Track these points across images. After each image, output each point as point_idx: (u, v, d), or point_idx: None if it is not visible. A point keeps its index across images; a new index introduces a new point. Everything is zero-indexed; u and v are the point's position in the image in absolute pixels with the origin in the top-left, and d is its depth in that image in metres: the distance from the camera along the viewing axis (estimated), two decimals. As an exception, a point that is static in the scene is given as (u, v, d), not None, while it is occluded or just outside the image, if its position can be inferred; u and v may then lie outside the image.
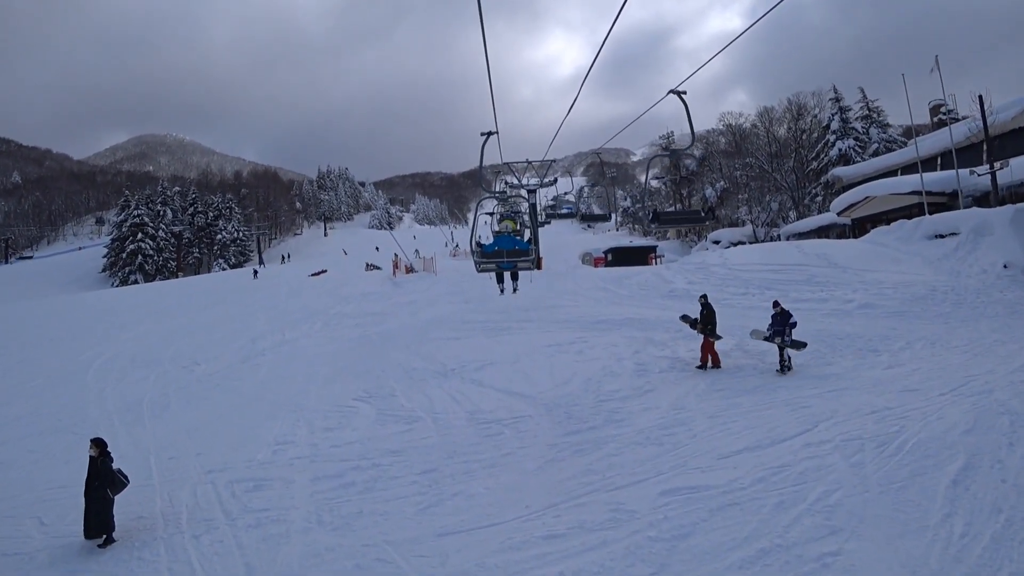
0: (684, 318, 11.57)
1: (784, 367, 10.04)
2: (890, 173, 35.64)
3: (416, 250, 30.18)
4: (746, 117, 68.90)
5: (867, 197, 28.46)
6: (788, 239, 37.95)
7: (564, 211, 32.41)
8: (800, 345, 10.14)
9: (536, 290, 19.66)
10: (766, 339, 10.43)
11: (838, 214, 30.91)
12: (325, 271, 38.26)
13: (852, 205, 29.43)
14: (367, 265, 38.25)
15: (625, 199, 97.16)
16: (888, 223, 28.91)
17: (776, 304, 10.74)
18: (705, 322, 10.96)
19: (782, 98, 71.93)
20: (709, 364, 10.64)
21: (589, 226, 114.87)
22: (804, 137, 58.92)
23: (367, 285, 25.46)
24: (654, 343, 11.73)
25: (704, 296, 11.45)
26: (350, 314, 18.52)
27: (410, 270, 27.99)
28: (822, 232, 35.05)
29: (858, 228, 31.76)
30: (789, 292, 17.17)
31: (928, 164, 32.90)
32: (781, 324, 10.30)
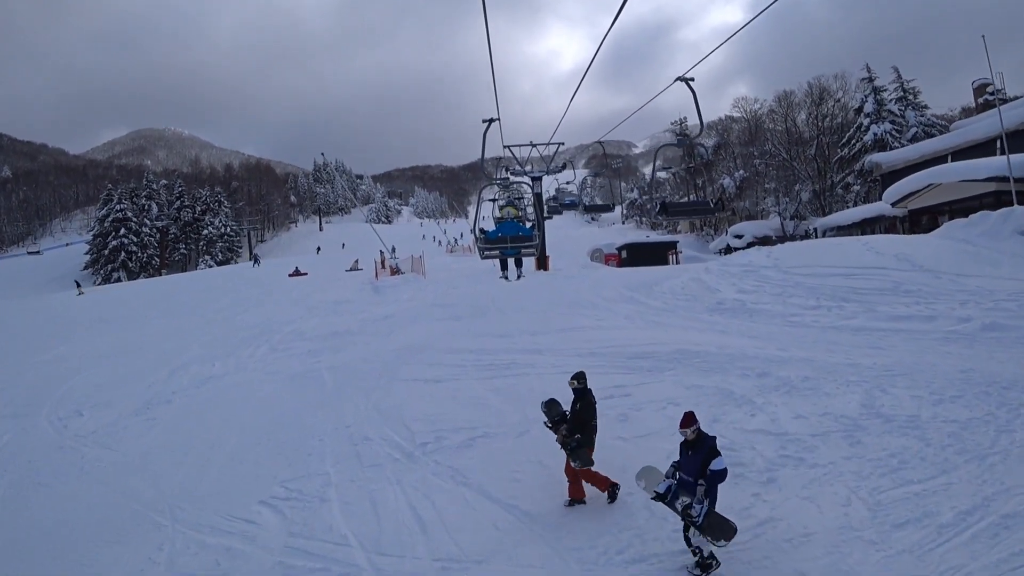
0: (550, 410, 6.01)
1: (699, 561, 4.58)
2: (938, 159, 31.53)
3: (393, 247, 26.25)
4: (761, 103, 64.82)
5: (930, 185, 24.32)
6: (825, 233, 33.86)
7: (568, 202, 28.36)
8: (719, 532, 4.47)
9: (544, 299, 15.60)
10: (657, 497, 4.87)
11: (892, 204, 26.78)
12: (305, 273, 34.27)
13: (911, 194, 25.29)
14: (353, 263, 34.36)
15: (631, 191, 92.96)
16: (951, 215, 24.84)
17: (688, 421, 4.76)
18: (572, 426, 5.77)
19: (801, 82, 67.82)
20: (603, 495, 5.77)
21: (593, 219, 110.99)
22: (826, 123, 54.94)
23: (343, 291, 21.43)
24: (734, 400, 7.64)
25: (578, 377, 5.96)
26: (308, 333, 14.47)
27: (395, 271, 23.95)
28: (867, 225, 30.98)
29: (912, 221, 27.63)
30: (877, 306, 13.08)
31: (985, 148, 28.85)
32: (691, 470, 4.68)
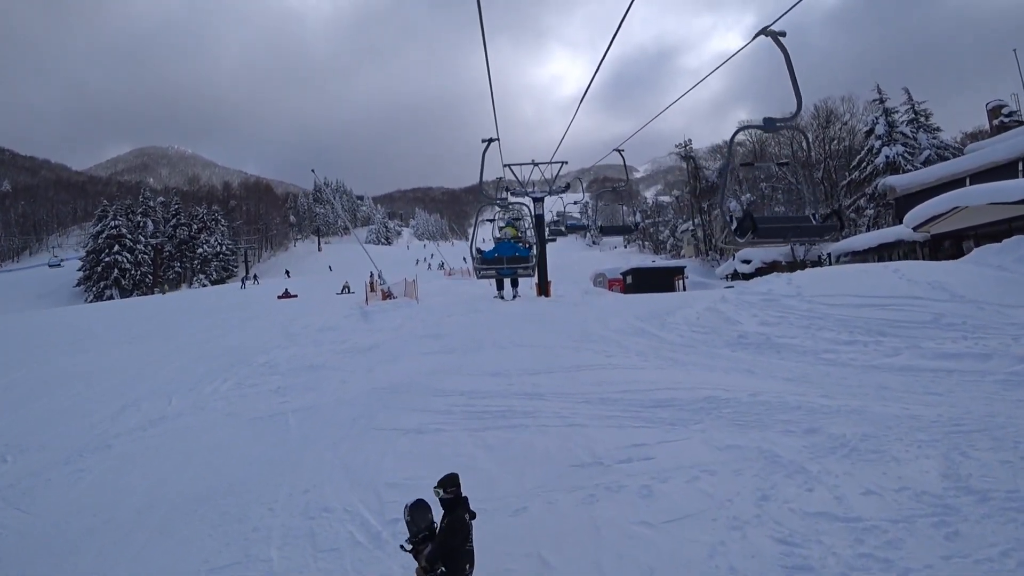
0: (415, 519, 4.28)
1: None
2: (956, 181, 30.36)
3: (379, 272, 24.90)
4: (767, 126, 63.70)
5: (955, 208, 23.02)
6: (839, 259, 32.53)
7: (570, 224, 27.08)
8: None
9: (547, 331, 14.14)
10: None
11: (915, 228, 25.45)
12: (295, 295, 32.90)
13: (934, 218, 23.97)
14: (343, 286, 32.94)
15: (633, 214, 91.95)
16: (978, 240, 23.52)
17: None
18: (436, 551, 4.09)
19: (808, 105, 67.18)
20: None
21: (595, 242, 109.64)
22: (833, 146, 54.01)
23: (329, 316, 19.98)
24: (782, 467, 6.15)
25: (447, 483, 4.29)
26: (282, 366, 12.99)
27: (387, 296, 22.52)
28: (884, 250, 29.60)
29: (934, 246, 26.29)
30: (920, 341, 11.59)
31: (1007, 170, 27.65)
32: None
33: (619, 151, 18.83)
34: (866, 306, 13.99)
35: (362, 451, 7.51)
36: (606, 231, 24.68)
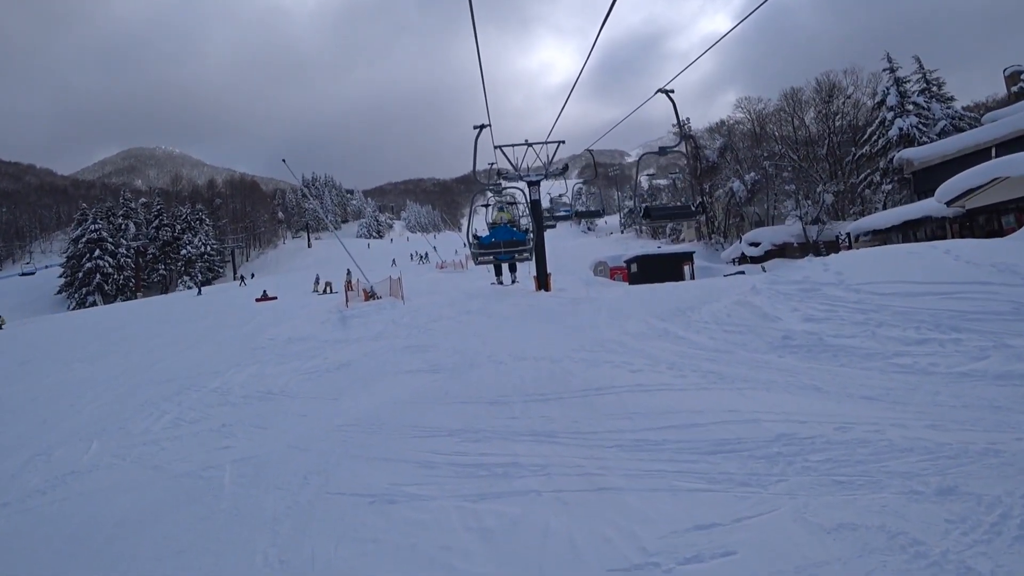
0: None
1: None
2: (980, 152, 28.25)
3: (348, 270, 22.91)
4: (766, 103, 61.99)
5: (995, 179, 20.85)
6: (859, 239, 30.38)
7: (563, 212, 24.84)
8: None
9: (553, 337, 11.98)
10: None
11: (947, 203, 23.28)
12: (274, 297, 30.65)
13: (970, 191, 21.80)
14: (325, 285, 30.66)
15: (629, 199, 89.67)
16: (1019, 214, 21.45)
17: None
18: None
19: (809, 79, 64.84)
20: None
21: (590, 228, 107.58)
22: (837, 121, 51.85)
23: (304, 323, 17.77)
24: (933, 565, 4.01)
25: None
26: (235, 392, 10.79)
27: (370, 296, 20.34)
28: (909, 228, 27.44)
29: (968, 222, 24.16)
30: (1006, 338, 9.44)
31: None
32: None
33: (666, 92, 16.25)
34: (926, 295, 11.90)
35: (309, 535, 5.35)
36: (657, 213, 20.53)
